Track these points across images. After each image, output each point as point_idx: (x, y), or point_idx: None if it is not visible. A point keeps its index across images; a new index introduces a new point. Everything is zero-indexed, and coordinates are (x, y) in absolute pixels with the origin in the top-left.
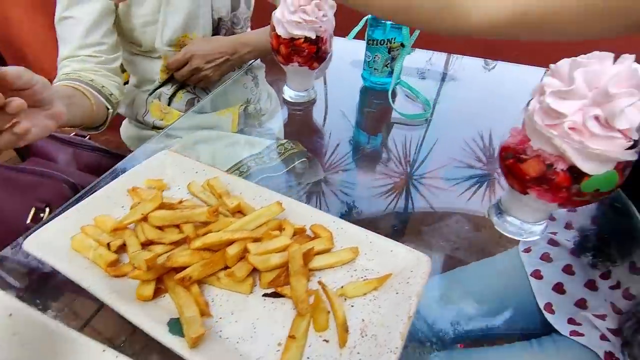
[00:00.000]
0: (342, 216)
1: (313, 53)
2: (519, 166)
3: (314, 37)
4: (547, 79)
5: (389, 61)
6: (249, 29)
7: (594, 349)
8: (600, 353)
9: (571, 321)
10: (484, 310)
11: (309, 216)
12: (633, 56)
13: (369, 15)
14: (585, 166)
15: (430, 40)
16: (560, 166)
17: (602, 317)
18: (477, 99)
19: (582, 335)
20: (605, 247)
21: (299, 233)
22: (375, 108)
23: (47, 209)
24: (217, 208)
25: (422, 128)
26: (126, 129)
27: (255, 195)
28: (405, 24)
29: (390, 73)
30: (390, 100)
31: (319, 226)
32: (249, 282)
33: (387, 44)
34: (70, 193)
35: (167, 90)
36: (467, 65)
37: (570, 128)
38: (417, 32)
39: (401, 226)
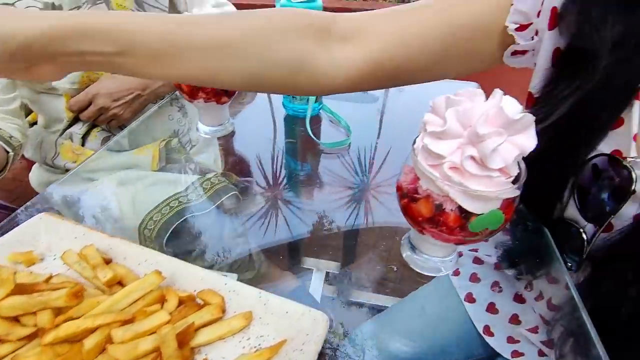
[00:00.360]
0: (292, 242)
1: (222, 91)
2: (412, 206)
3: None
4: (428, 116)
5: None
6: None
7: None
8: None
9: (510, 340)
10: (424, 349)
11: (199, 279)
12: (502, 92)
13: None
14: (470, 206)
15: None
16: (449, 207)
17: (534, 330)
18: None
19: (522, 354)
20: (523, 259)
21: (186, 302)
22: (300, 136)
23: None
24: (80, 288)
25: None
26: (36, 175)
27: (141, 260)
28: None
29: (308, 101)
30: (309, 128)
31: (208, 292)
32: None
33: None
34: None
35: (79, 129)
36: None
37: (450, 168)
38: None
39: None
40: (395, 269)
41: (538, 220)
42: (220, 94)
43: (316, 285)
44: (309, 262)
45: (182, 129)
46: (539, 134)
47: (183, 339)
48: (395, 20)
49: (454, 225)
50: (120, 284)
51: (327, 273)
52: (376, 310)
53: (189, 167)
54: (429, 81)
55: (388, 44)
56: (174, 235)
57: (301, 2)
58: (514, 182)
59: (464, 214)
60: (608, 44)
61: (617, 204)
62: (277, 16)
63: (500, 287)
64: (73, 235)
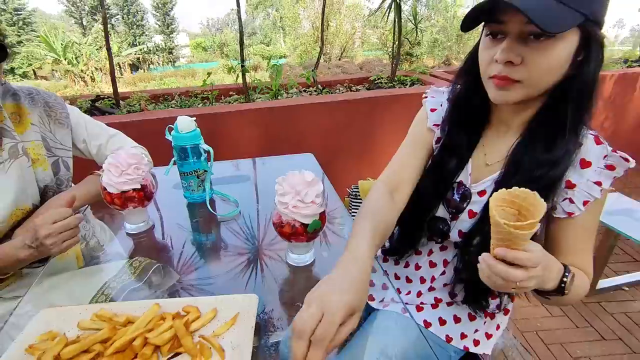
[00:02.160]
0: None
1: (142, 196)
2: (281, 230)
3: (139, 186)
4: (277, 186)
5: (200, 183)
6: (72, 185)
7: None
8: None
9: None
10: None
11: (179, 304)
12: (305, 171)
13: (175, 155)
14: (306, 220)
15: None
16: (297, 224)
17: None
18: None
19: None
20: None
21: (175, 316)
22: (202, 215)
23: None
24: (114, 326)
25: (245, 219)
26: None
27: (135, 308)
28: None
29: (204, 190)
30: (209, 207)
31: (188, 306)
32: (155, 357)
33: (194, 173)
34: None
35: None
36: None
37: (292, 207)
38: (212, 160)
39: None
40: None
41: (421, 219)
42: (143, 200)
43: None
44: None
45: (88, 233)
46: (426, 174)
47: (185, 327)
48: (412, 170)
49: (301, 232)
50: (130, 322)
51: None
52: None
53: (111, 258)
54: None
55: (410, 184)
56: None
57: (188, 132)
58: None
59: (304, 225)
60: (458, 145)
61: (462, 203)
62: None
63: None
64: (78, 312)
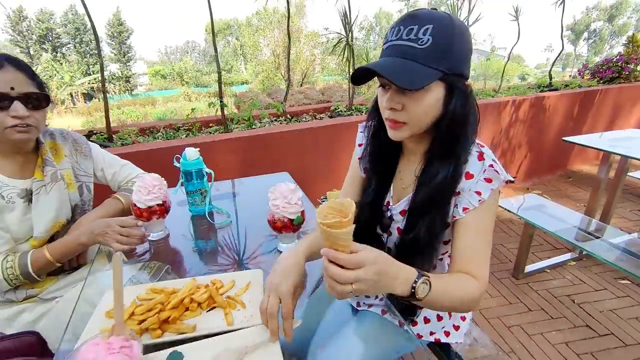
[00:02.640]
0: None
1: (163, 210)
2: (275, 225)
3: (161, 202)
4: (270, 194)
5: (202, 199)
6: (91, 206)
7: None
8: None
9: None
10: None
11: (208, 278)
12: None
13: (182, 177)
14: (292, 216)
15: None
16: (286, 220)
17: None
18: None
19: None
20: None
21: (206, 286)
22: (203, 224)
23: None
24: (165, 294)
25: (241, 226)
26: None
27: (176, 284)
28: None
29: (205, 205)
30: (208, 218)
31: (214, 280)
32: (198, 311)
33: (198, 191)
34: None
35: None
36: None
37: (282, 207)
38: (212, 181)
39: None
40: None
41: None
42: (164, 213)
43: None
44: None
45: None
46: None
47: (216, 290)
48: (350, 196)
49: (289, 225)
50: (175, 292)
51: None
52: None
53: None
54: None
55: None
56: None
57: (193, 160)
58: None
59: (290, 220)
60: (379, 172)
61: (390, 222)
62: None
63: None
64: (135, 289)
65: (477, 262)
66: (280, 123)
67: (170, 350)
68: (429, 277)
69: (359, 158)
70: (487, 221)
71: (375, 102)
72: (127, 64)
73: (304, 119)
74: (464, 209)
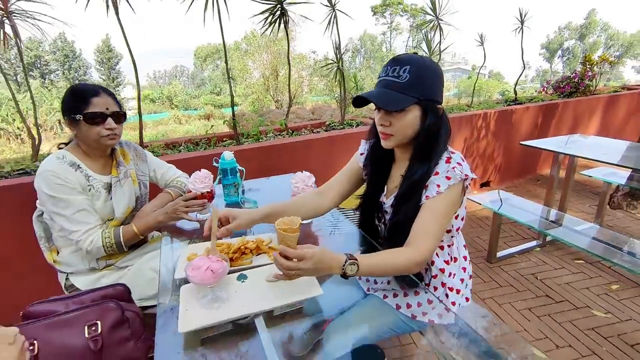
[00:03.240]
0: None
1: (210, 196)
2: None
3: (209, 190)
4: (292, 179)
5: (235, 191)
6: (147, 199)
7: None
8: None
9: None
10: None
11: (255, 237)
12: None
13: (220, 174)
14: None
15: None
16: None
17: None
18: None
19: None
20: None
21: (253, 241)
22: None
23: (99, 322)
24: (227, 245)
25: None
26: (77, 280)
27: (231, 241)
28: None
29: (237, 195)
30: (241, 204)
31: (258, 238)
32: (250, 255)
33: (233, 185)
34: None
35: None
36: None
37: (302, 188)
38: (243, 177)
39: None
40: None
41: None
42: (211, 199)
43: None
44: None
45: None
46: (363, 197)
47: (262, 242)
48: (338, 183)
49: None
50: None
51: None
52: None
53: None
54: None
55: (339, 194)
56: None
57: (229, 160)
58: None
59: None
60: (376, 176)
61: (384, 214)
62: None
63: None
64: (203, 245)
65: (422, 236)
66: (284, 137)
67: (237, 274)
68: (356, 259)
69: (362, 166)
70: (441, 207)
71: (374, 124)
72: (117, 88)
73: (303, 132)
74: (426, 197)
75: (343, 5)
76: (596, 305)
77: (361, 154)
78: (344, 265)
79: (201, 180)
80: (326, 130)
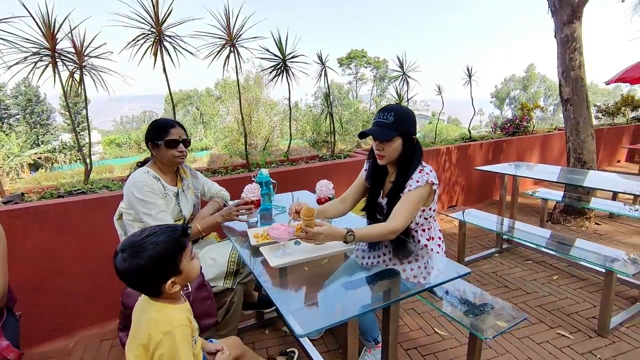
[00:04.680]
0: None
1: (258, 203)
2: (320, 201)
3: (257, 199)
4: (317, 186)
5: (270, 198)
6: (200, 206)
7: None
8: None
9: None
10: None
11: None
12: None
13: (263, 187)
14: (330, 195)
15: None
16: (327, 198)
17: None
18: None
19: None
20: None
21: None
22: (266, 214)
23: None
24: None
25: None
26: None
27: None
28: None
29: (270, 202)
30: (273, 209)
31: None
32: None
33: (267, 194)
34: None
35: None
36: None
37: (326, 192)
38: (275, 188)
39: None
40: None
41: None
42: (258, 205)
43: None
44: None
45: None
46: (367, 200)
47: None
48: (353, 193)
49: (328, 199)
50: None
51: None
52: None
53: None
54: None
55: (354, 200)
56: None
57: (265, 175)
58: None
59: (329, 198)
60: (375, 185)
61: (382, 210)
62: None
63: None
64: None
65: (396, 214)
66: (286, 166)
67: (294, 240)
68: (353, 230)
69: (365, 178)
70: (411, 197)
71: (372, 149)
72: (81, 133)
73: (300, 163)
74: (403, 193)
75: (313, 57)
76: (541, 290)
77: (364, 170)
78: (345, 236)
79: (252, 191)
80: (320, 161)
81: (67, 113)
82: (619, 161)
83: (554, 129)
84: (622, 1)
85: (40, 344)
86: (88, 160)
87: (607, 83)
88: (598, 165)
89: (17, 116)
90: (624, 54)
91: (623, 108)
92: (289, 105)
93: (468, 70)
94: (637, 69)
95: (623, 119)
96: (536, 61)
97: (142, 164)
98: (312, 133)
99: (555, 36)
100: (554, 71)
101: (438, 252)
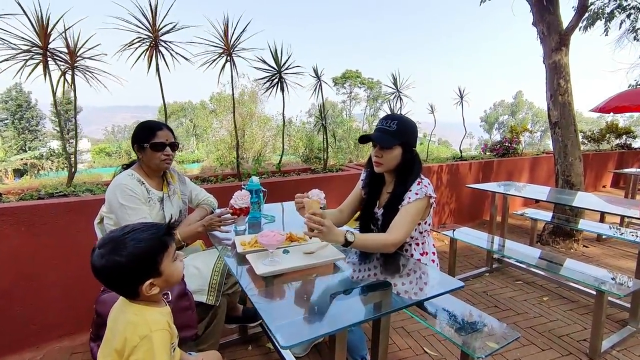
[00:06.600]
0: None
1: (247, 210)
2: None
3: (246, 206)
4: (310, 193)
5: (258, 207)
6: (187, 212)
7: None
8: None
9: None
10: None
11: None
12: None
13: (253, 195)
14: (323, 203)
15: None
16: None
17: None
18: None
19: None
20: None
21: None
22: (257, 221)
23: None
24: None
25: (278, 223)
26: None
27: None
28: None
29: (259, 211)
30: (262, 218)
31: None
32: (289, 242)
33: (257, 203)
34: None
35: None
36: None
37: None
38: (265, 196)
39: None
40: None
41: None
42: (247, 213)
43: None
44: None
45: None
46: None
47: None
48: (350, 203)
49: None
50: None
51: None
52: None
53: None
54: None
55: (352, 210)
56: None
57: (255, 183)
58: None
59: (322, 207)
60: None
61: (377, 220)
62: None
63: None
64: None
65: (396, 227)
66: (277, 177)
67: (283, 249)
68: (354, 233)
69: (362, 188)
70: (411, 211)
71: (370, 158)
72: (71, 141)
73: (292, 174)
74: (402, 206)
75: (309, 71)
76: (532, 311)
77: (362, 180)
78: (345, 236)
79: (241, 198)
80: (312, 173)
81: (57, 120)
82: (604, 186)
83: (542, 153)
84: (606, 35)
85: (2, 356)
86: (73, 161)
87: (592, 110)
88: (584, 189)
89: (6, 121)
90: (608, 84)
91: (608, 135)
92: (283, 118)
93: (460, 91)
94: (618, 99)
95: (608, 145)
96: (523, 88)
97: (127, 166)
98: (305, 149)
99: (544, 62)
100: (540, 98)
101: None
